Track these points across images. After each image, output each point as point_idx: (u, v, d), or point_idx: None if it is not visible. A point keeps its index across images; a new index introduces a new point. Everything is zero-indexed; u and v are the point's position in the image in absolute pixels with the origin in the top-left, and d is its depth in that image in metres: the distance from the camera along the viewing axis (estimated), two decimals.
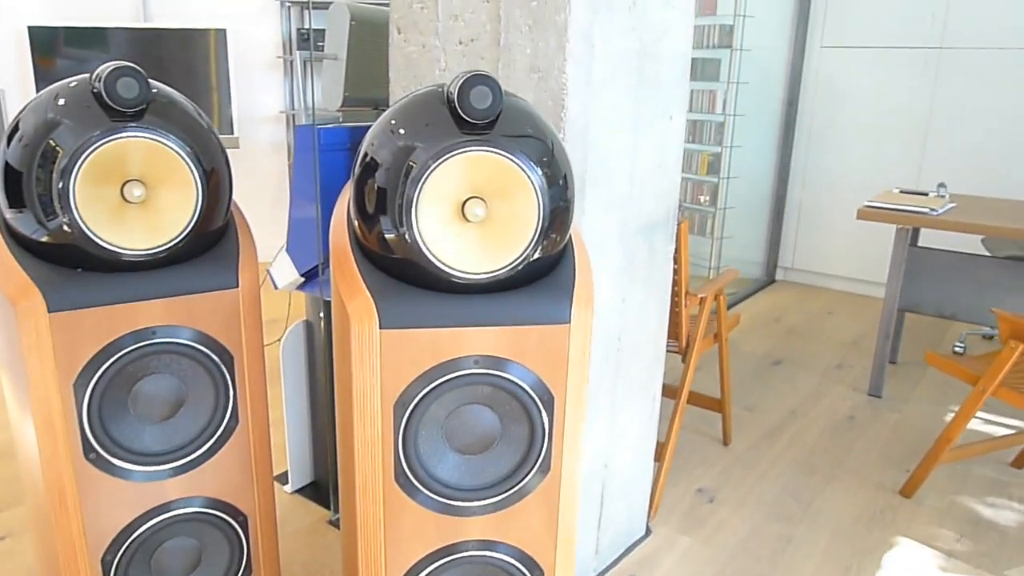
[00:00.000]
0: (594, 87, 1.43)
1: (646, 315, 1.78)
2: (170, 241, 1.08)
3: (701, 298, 2.10)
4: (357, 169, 0.99)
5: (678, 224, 1.85)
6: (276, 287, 1.99)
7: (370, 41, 1.85)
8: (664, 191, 1.72)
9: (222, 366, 1.15)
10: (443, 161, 0.92)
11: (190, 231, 1.09)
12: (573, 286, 1.02)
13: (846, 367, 3.30)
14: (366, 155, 0.99)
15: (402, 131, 0.97)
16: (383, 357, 0.97)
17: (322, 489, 2.20)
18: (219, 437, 1.18)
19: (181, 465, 1.16)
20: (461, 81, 0.91)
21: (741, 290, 4.30)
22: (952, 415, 2.85)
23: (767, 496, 2.25)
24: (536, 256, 0.99)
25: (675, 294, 2.05)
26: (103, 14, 4.32)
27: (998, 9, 3.75)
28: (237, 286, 1.14)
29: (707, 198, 4.25)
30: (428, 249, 0.94)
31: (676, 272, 1.98)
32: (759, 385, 3.08)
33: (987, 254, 3.15)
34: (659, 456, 2.15)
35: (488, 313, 0.98)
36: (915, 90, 4.03)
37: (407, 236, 0.94)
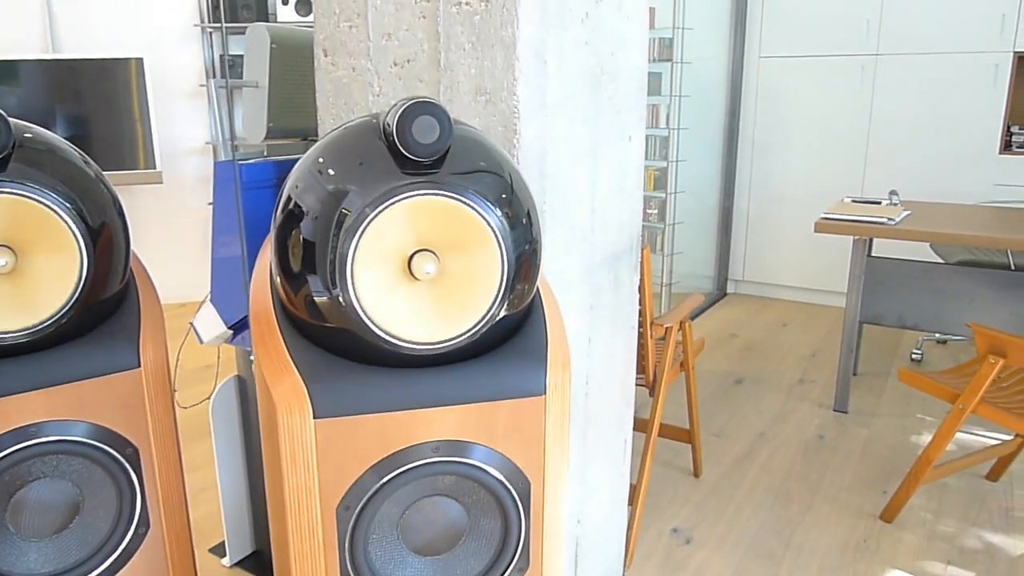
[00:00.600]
0: (549, 109, 1.28)
1: (614, 354, 1.63)
2: (49, 318, 0.88)
3: (667, 328, 1.96)
4: (278, 217, 0.81)
5: (641, 250, 1.71)
6: (201, 342, 1.77)
7: (295, 66, 1.68)
8: (627, 218, 1.58)
9: (125, 463, 0.95)
10: (383, 209, 0.75)
11: (74, 304, 0.89)
12: (546, 347, 0.86)
13: (808, 382, 3.22)
14: (289, 200, 0.82)
15: (331, 171, 0.80)
16: (320, 452, 0.79)
17: (265, 560, 1.98)
18: (126, 547, 0.98)
19: None
20: (400, 111, 0.74)
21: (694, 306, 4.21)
22: (920, 426, 2.78)
23: (746, 532, 2.12)
24: (501, 315, 0.83)
25: (639, 325, 1.91)
26: (7, 46, 3.99)
27: (931, 15, 3.77)
28: (139, 366, 0.94)
29: (655, 212, 4.16)
30: (368, 316, 0.77)
31: (640, 302, 1.84)
32: (723, 408, 2.97)
33: (940, 260, 3.11)
34: (631, 499, 1.99)
35: (447, 390, 0.81)
36: (854, 97, 4.03)
37: (341, 300, 0.76)
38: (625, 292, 1.63)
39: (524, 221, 0.86)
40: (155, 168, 4.02)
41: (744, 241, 4.48)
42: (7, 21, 3.94)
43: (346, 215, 0.77)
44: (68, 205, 0.87)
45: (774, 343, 3.71)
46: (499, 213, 0.80)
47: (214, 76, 4.22)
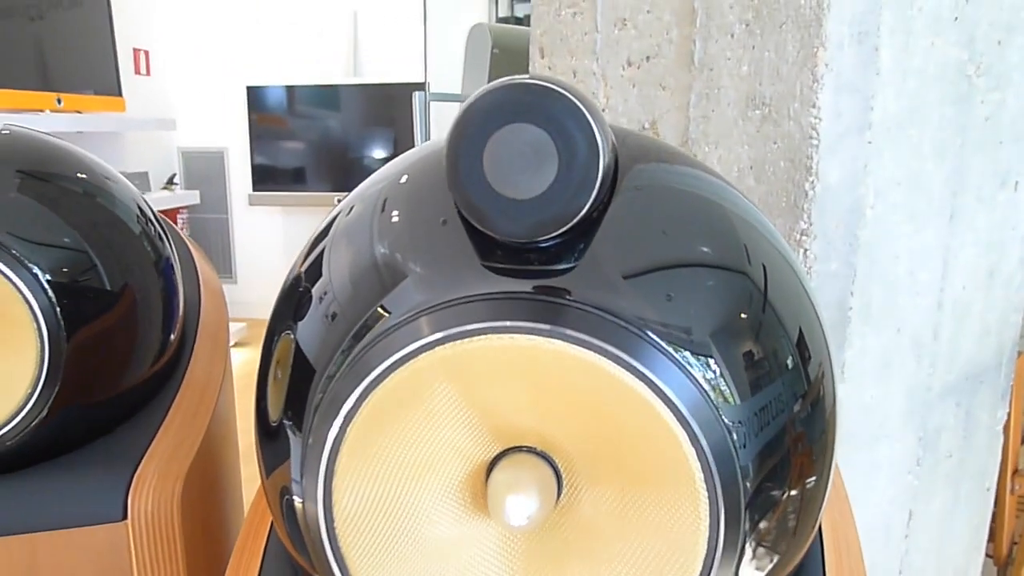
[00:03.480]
0: (875, 132, 0.73)
1: (951, 534, 1.00)
2: None
3: None
4: (286, 283, 0.40)
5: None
6: None
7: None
8: (997, 318, 0.95)
9: None
10: (411, 354, 0.30)
11: (31, 412, 0.56)
12: None
13: None
14: (310, 254, 0.40)
15: (395, 216, 0.37)
16: None
17: None
18: None
19: None
20: (458, 121, 0.29)
21: None
22: None
23: None
24: None
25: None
26: (320, 72, 4.19)
27: None
28: (123, 517, 0.59)
29: None
30: None
31: (1003, 448, 1.16)
32: None
33: None
34: None
35: None
36: None
37: (308, 521, 0.33)
38: (981, 436, 0.99)
39: (788, 364, 0.36)
40: None
41: None
42: (320, 49, 4.14)
43: (375, 323, 0.33)
44: (31, 264, 0.55)
45: None
46: (712, 372, 0.31)
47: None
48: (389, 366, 0.30)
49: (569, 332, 0.28)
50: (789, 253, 0.41)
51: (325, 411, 0.32)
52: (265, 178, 4.11)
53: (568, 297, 0.30)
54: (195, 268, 0.86)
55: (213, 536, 0.70)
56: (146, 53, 3.81)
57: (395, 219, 0.37)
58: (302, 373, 0.36)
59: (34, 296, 0.55)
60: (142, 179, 3.24)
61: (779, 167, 0.75)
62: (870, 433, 0.81)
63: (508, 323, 0.29)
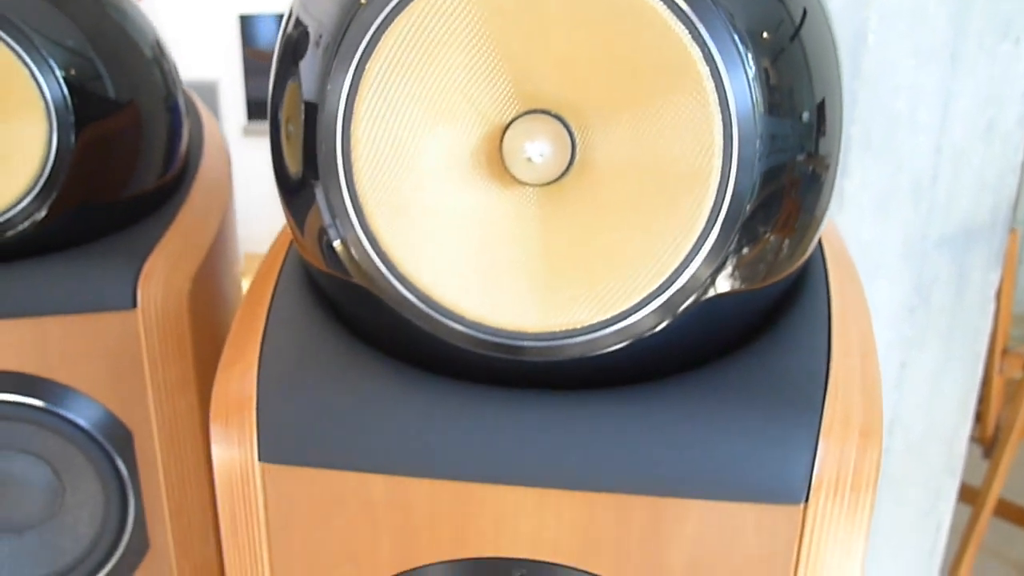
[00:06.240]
0: None
1: (942, 390, 1.03)
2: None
3: None
4: (279, 43, 0.40)
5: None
6: None
7: None
8: (995, 175, 0.96)
9: (111, 451, 0.62)
10: None
11: (39, 196, 0.57)
12: (824, 386, 0.36)
13: None
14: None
15: None
16: (273, 531, 0.37)
17: None
18: (113, 570, 0.66)
19: None
20: None
21: None
22: None
23: None
24: (714, 291, 0.35)
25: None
26: None
27: None
28: (133, 305, 0.60)
29: None
30: (381, 246, 0.34)
31: (994, 315, 1.19)
32: None
33: None
34: None
35: (573, 454, 0.34)
36: None
37: (328, 199, 0.34)
38: (973, 295, 1.01)
39: (803, 117, 0.38)
40: None
41: None
42: None
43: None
44: (36, 43, 0.55)
45: None
46: (743, 54, 0.32)
47: None
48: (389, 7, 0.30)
49: None
50: (834, 33, 0.42)
51: (338, 92, 0.32)
52: (261, 110, 4.05)
53: None
54: (199, 115, 0.85)
55: (222, 341, 0.71)
56: None
57: None
58: (311, 109, 0.35)
59: (47, 84, 0.55)
60: None
61: None
62: (867, 271, 0.83)
63: None
